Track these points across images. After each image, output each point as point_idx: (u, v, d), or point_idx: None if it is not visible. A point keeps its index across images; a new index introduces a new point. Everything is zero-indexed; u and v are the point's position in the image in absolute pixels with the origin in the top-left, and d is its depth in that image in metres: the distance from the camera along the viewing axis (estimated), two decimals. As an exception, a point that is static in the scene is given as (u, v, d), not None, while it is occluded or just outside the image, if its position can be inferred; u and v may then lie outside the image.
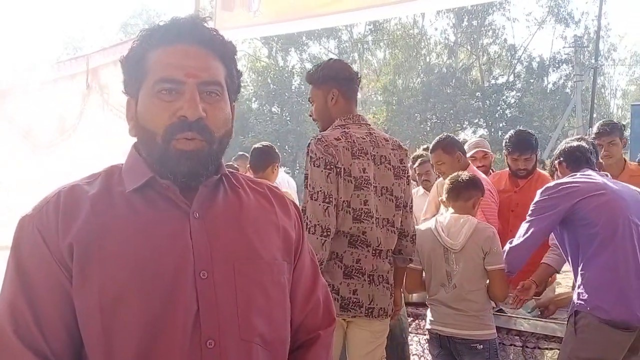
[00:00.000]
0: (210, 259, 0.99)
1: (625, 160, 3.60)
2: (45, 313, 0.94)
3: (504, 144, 3.57)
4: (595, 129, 3.65)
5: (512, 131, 3.53)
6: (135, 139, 1.08)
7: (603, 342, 2.28)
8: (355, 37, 29.84)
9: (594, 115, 21.47)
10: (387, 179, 2.24)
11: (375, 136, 2.28)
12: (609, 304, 2.27)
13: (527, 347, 2.66)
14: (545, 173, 3.55)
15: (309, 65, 29.40)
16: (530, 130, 3.55)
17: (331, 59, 2.53)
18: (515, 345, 2.68)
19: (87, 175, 1.06)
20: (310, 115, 2.46)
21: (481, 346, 2.42)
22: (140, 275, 0.94)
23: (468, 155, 3.74)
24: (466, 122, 28.44)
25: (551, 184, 2.56)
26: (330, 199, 2.12)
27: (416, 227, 2.51)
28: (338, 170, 2.14)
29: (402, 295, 2.50)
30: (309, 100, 2.46)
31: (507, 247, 2.57)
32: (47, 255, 0.95)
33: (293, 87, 28.74)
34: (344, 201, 2.16)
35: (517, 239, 2.54)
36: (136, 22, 34.06)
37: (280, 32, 4.79)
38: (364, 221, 2.19)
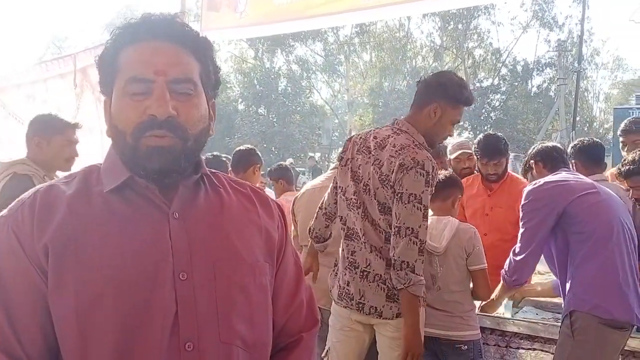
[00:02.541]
0: (190, 260, 0.97)
1: None
2: (20, 316, 0.92)
3: (473, 149, 3.55)
4: (622, 125, 3.55)
5: (481, 135, 3.49)
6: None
7: (603, 343, 2.24)
8: (342, 39, 29.87)
9: (577, 119, 21.74)
10: (374, 181, 2.21)
11: (389, 140, 2.21)
12: (610, 303, 2.23)
13: (510, 347, 2.68)
14: (517, 175, 3.55)
15: (295, 67, 29.44)
16: (499, 134, 3.51)
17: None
18: (499, 346, 2.70)
19: (65, 175, 1.05)
20: None
21: (465, 347, 2.42)
22: (117, 276, 0.92)
23: (452, 157, 3.75)
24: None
25: (539, 182, 2.48)
26: (336, 183, 2.43)
27: None
28: (341, 159, 2.40)
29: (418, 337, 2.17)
30: None
31: (511, 258, 2.50)
32: (23, 257, 0.93)
33: (279, 89, 28.71)
34: (340, 187, 2.37)
35: (521, 250, 2.45)
36: (120, 22, 33.81)
37: (266, 34, 4.76)
38: (352, 210, 2.28)
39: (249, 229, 1.08)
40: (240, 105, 29.18)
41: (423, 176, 2.09)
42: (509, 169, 3.57)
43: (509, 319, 2.72)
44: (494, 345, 2.70)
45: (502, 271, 2.56)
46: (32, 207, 0.96)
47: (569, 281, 2.37)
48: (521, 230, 2.48)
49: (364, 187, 2.24)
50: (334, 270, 2.43)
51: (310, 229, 2.59)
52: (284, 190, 4.35)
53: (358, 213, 2.25)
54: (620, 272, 2.27)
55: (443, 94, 2.23)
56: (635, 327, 2.32)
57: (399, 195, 2.10)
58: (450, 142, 3.89)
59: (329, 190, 2.52)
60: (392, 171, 2.13)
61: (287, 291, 1.14)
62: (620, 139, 3.57)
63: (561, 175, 2.49)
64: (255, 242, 1.07)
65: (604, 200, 2.36)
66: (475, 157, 3.72)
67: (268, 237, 1.10)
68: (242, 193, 1.13)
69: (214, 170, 1.13)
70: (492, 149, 3.31)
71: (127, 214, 0.98)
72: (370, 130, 2.38)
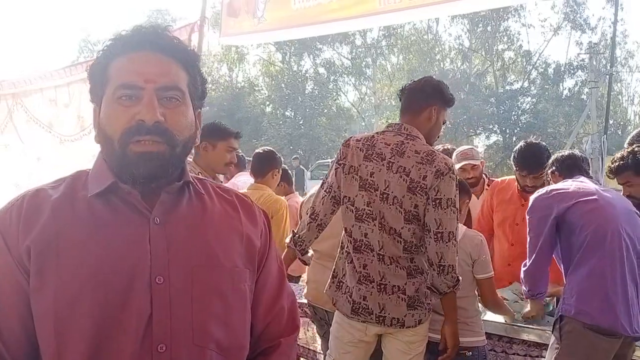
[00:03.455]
0: (167, 265, 1.00)
1: None
2: (3, 315, 0.96)
3: (512, 157, 3.28)
4: (629, 139, 3.40)
5: (522, 143, 3.19)
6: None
7: (587, 348, 2.27)
8: (369, 42, 29.82)
9: (610, 122, 21.22)
10: (399, 189, 2.17)
11: (406, 146, 2.21)
12: (594, 309, 2.27)
13: (518, 354, 2.65)
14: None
15: (322, 70, 29.51)
16: (542, 143, 3.20)
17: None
18: (506, 352, 2.67)
19: (54, 180, 1.08)
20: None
21: (470, 353, 2.41)
22: (94, 279, 0.95)
23: (457, 166, 3.66)
24: (480, 128, 28.26)
25: (540, 192, 2.54)
26: (330, 190, 2.33)
27: None
28: (344, 166, 2.28)
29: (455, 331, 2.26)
30: None
31: (522, 270, 2.54)
32: (8, 257, 0.97)
33: (306, 92, 28.82)
34: (346, 197, 2.26)
35: (528, 260, 2.49)
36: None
37: (285, 38, 4.81)
38: (365, 222, 2.22)
39: (230, 235, 1.10)
40: (268, 107, 29.38)
41: (454, 180, 2.18)
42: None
43: (517, 325, 2.70)
44: (501, 352, 2.68)
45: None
46: (19, 210, 1.00)
47: (564, 287, 2.42)
48: (528, 239, 2.52)
49: (382, 196, 2.19)
50: (333, 282, 2.36)
51: (297, 238, 2.43)
52: (286, 193, 4.36)
53: (374, 224, 2.20)
54: (608, 279, 2.27)
55: (440, 97, 2.33)
56: (633, 337, 2.32)
57: (437, 201, 2.13)
58: (457, 149, 3.84)
59: (318, 198, 2.39)
60: (425, 177, 2.14)
61: (268, 297, 1.16)
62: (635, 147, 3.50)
63: (565, 183, 2.51)
64: (235, 249, 1.09)
65: (601, 207, 2.35)
66: (480, 166, 3.68)
67: (249, 244, 1.12)
68: (226, 200, 1.16)
69: (199, 177, 1.17)
70: (534, 161, 3.05)
71: (109, 219, 1.01)
72: (370, 136, 2.32)
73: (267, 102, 29.54)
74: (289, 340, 1.19)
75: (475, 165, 3.67)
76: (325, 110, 28.77)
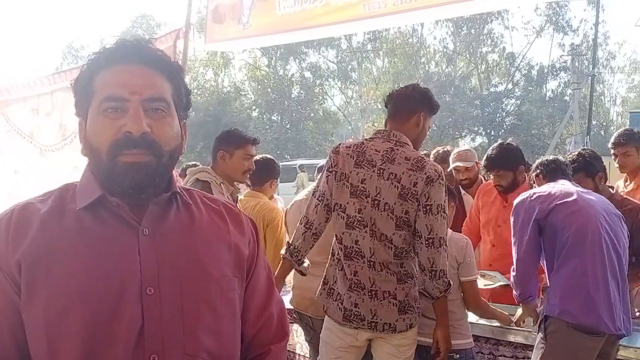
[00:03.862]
0: (157, 276, 1.01)
1: None
2: None
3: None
4: (612, 139, 3.62)
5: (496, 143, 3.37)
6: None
7: (572, 347, 2.30)
8: (355, 46, 29.98)
9: (593, 123, 21.50)
10: (391, 195, 2.19)
11: (396, 153, 2.23)
12: (576, 308, 2.30)
13: (505, 356, 2.68)
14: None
15: (308, 74, 29.59)
16: (512, 145, 3.32)
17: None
18: (493, 354, 2.70)
19: (42, 193, 1.09)
20: None
21: (457, 355, 2.42)
22: (85, 291, 0.95)
23: (452, 166, 3.74)
24: (465, 130, 28.52)
25: (524, 194, 2.57)
26: (323, 198, 2.32)
27: None
28: (335, 173, 2.28)
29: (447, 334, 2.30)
30: None
31: (511, 274, 2.57)
32: None
33: (293, 96, 28.89)
34: (338, 204, 2.27)
35: (515, 264, 2.51)
36: (136, 31, 34.24)
37: (270, 44, 4.81)
38: (356, 229, 2.22)
39: (218, 245, 1.11)
40: (254, 112, 29.39)
41: (444, 186, 2.21)
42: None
43: (505, 327, 2.72)
44: (488, 354, 2.70)
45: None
46: (8, 224, 1.00)
47: (548, 287, 2.45)
48: (513, 246, 2.53)
49: (373, 203, 2.20)
50: (324, 289, 2.36)
51: (292, 249, 2.38)
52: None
53: (365, 231, 2.21)
54: (590, 278, 2.31)
55: (427, 104, 2.37)
56: (616, 335, 2.35)
57: (428, 207, 2.16)
58: (454, 150, 3.89)
59: (311, 207, 2.36)
60: (415, 184, 2.16)
61: (257, 304, 1.17)
62: (612, 151, 3.62)
63: (547, 186, 2.54)
64: (223, 258, 1.10)
65: (581, 209, 2.39)
66: (475, 168, 3.73)
67: (237, 253, 1.13)
68: (214, 209, 1.16)
69: (187, 187, 1.18)
70: (492, 159, 3.20)
71: (98, 231, 1.01)
72: (359, 142, 2.33)
73: (254, 107, 29.56)
74: (278, 347, 1.19)
75: (469, 167, 3.71)
76: (312, 115, 28.85)
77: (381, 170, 2.21)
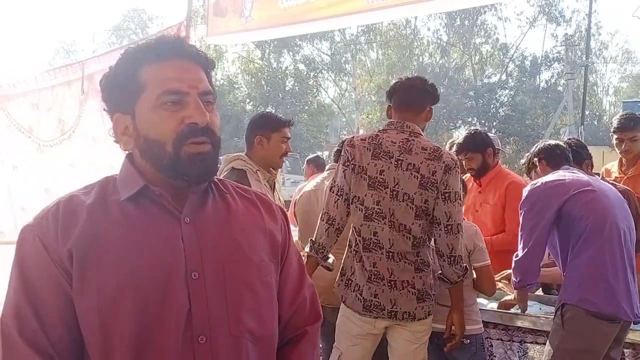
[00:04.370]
0: (201, 261, 1.06)
1: None
2: (47, 315, 1.00)
3: None
4: (616, 123, 3.52)
5: None
6: (126, 152, 1.14)
7: (590, 334, 2.32)
8: (348, 38, 29.91)
9: (586, 113, 21.62)
10: (410, 186, 2.24)
11: (412, 143, 2.28)
12: (597, 296, 2.31)
13: (513, 341, 2.73)
14: (509, 171, 3.59)
15: (301, 66, 29.49)
16: (478, 129, 3.58)
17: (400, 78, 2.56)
18: (502, 340, 2.75)
19: (83, 186, 1.13)
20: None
21: (468, 341, 2.48)
22: (135, 277, 1.01)
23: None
24: (460, 121, 28.54)
25: (537, 183, 2.54)
26: (342, 192, 2.34)
27: None
28: (353, 166, 2.30)
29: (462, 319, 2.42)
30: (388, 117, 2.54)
31: (514, 260, 2.56)
32: (48, 261, 1.01)
33: (287, 88, 28.79)
34: (356, 197, 2.30)
35: (521, 251, 2.50)
36: (128, 25, 34.01)
37: (272, 37, 4.81)
38: (375, 220, 2.26)
39: (254, 231, 1.17)
40: (248, 105, 29.28)
41: (459, 174, 2.30)
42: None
43: (512, 313, 2.77)
44: (497, 339, 2.76)
45: (511, 274, 2.62)
46: (56, 216, 1.05)
47: (564, 275, 2.45)
48: (520, 231, 2.52)
49: (392, 193, 2.24)
50: (342, 280, 2.40)
51: (317, 246, 2.38)
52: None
53: (384, 222, 2.26)
54: (609, 266, 2.33)
55: (433, 99, 2.44)
56: (630, 321, 2.39)
57: (446, 194, 2.24)
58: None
59: (330, 203, 2.36)
60: (434, 173, 2.24)
61: (291, 288, 1.23)
62: (615, 136, 3.52)
63: (559, 174, 2.54)
64: (260, 244, 1.16)
65: (598, 197, 2.40)
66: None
67: (272, 239, 1.19)
68: (247, 198, 1.22)
69: (221, 178, 1.23)
70: (460, 144, 3.42)
71: (143, 220, 1.06)
72: (373, 134, 2.36)
73: (248, 100, 29.44)
74: (313, 329, 1.25)
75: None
76: (306, 107, 28.78)
77: (399, 162, 2.25)
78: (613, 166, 3.74)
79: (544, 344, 2.68)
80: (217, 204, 1.15)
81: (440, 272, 2.33)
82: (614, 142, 3.57)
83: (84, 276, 1.01)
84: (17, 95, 4.67)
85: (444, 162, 2.25)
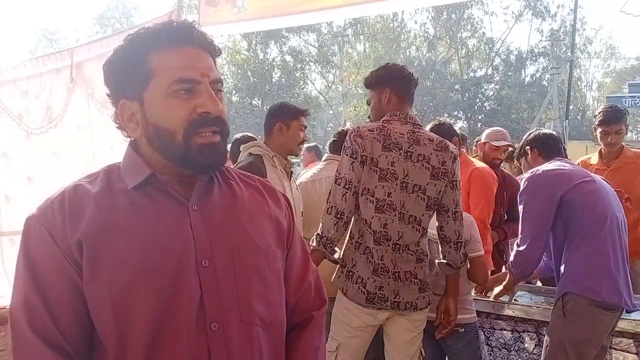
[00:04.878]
0: (210, 249, 1.06)
1: (622, 146, 3.57)
2: (56, 305, 0.99)
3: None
4: (601, 116, 3.48)
5: None
6: (129, 139, 1.12)
7: (593, 323, 2.35)
8: (335, 30, 29.85)
9: (570, 107, 21.83)
10: (422, 177, 2.24)
11: (419, 134, 2.29)
12: (601, 286, 2.33)
13: (505, 329, 2.79)
14: (470, 158, 3.66)
15: (288, 58, 29.40)
16: (443, 120, 3.44)
17: (388, 63, 2.54)
18: (494, 328, 2.81)
19: (87, 175, 1.11)
20: (368, 117, 2.54)
21: (462, 329, 2.53)
22: (146, 266, 1.00)
23: (494, 144, 3.77)
24: (446, 115, 28.69)
25: (537, 171, 2.51)
26: (350, 185, 2.25)
27: None
28: (364, 158, 2.24)
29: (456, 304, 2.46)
30: (367, 103, 2.51)
31: (515, 250, 2.56)
32: (56, 251, 0.99)
33: (273, 80, 28.70)
34: (366, 189, 2.25)
35: (523, 241, 2.49)
36: (112, 14, 33.60)
37: (265, 28, 4.77)
38: (386, 212, 2.23)
39: (261, 218, 1.17)
40: (234, 97, 29.13)
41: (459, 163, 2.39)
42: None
43: (504, 302, 2.83)
44: (490, 328, 2.81)
45: (509, 263, 2.64)
46: (62, 205, 1.03)
47: (563, 265, 2.45)
48: (522, 220, 2.51)
49: (402, 185, 2.23)
50: (342, 272, 2.33)
51: (325, 240, 2.29)
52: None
53: (394, 214, 2.24)
54: (611, 257, 2.36)
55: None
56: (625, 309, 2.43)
57: (454, 183, 2.32)
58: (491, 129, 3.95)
59: (338, 196, 2.26)
60: (444, 163, 2.29)
61: (296, 274, 1.23)
62: (600, 128, 3.51)
63: (558, 164, 2.54)
64: (266, 230, 1.16)
65: (598, 189, 2.43)
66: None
67: (278, 225, 1.19)
68: (251, 185, 1.22)
69: (225, 166, 1.21)
70: None
71: (151, 208, 1.05)
72: (380, 126, 2.29)
73: (234, 91, 29.27)
74: (319, 313, 1.26)
75: (505, 146, 3.78)
76: (293, 99, 28.65)
77: (408, 153, 2.26)
78: (590, 158, 3.74)
79: (534, 332, 2.74)
80: (223, 191, 1.15)
81: (444, 259, 2.37)
82: (598, 134, 3.56)
83: (95, 266, 0.99)
84: (7, 81, 4.62)
85: (451, 152, 2.32)
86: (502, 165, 4.02)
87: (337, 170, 2.30)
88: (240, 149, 2.85)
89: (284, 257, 1.20)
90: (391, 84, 2.38)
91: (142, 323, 0.99)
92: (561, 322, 2.38)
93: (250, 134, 3.94)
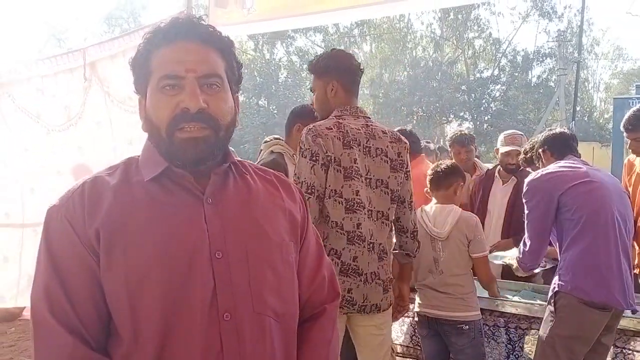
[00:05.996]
0: (224, 241, 1.08)
1: None
2: (76, 293, 1.02)
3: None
4: (622, 124, 3.28)
5: None
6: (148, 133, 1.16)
7: (581, 321, 2.40)
8: (342, 31, 29.89)
9: (577, 109, 21.79)
10: (382, 171, 2.21)
11: (372, 128, 2.24)
12: (589, 285, 2.38)
13: (509, 327, 2.83)
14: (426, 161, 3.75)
15: (295, 59, 29.45)
16: (406, 129, 3.58)
17: (334, 48, 2.45)
18: (497, 326, 2.85)
19: (107, 167, 1.15)
20: (311, 105, 2.47)
21: (467, 327, 2.57)
22: (161, 257, 1.03)
23: (503, 150, 3.73)
24: (452, 115, 28.67)
25: (536, 175, 2.60)
26: (313, 190, 2.09)
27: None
28: (328, 159, 2.10)
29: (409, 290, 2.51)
30: (310, 90, 2.41)
31: (521, 249, 2.67)
32: (76, 241, 1.03)
33: (280, 80, 28.76)
34: (333, 190, 2.12)
35: (528, 240, 2.61)
36: (120, 14, 33.75)
37: (274, 29, 4.81)
38: (357, 211, 2.14)
39: (275, 211, 1.19)
40: (241, 97, 28.76)
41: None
42: None
43: (508, 300, 2.87)
44: (493, 326, 2.85)
45: (516, 258, 2.75)
46: (82, 196, 1.07)
47: (559, 264, 2.53)
48: (526, 222, 2.61)
49: (367, 181, 2.18)
50: None
51: None
52: None
53: (363, 212, 2.15)
54: (602, 257, 2.40)
55: None
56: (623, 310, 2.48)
57: (407, 173, 2.31)
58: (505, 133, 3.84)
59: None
60: (400, 154, 2.27)
61: (310, 267, 1.26)
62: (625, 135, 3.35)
63: (559, 165, 2.60)
64: (280, 223, 1.18)
65: (595, 189, 2.47)
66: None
67: (292, 219, 1.22)
68: (266, 179, 1.25)
69: (240, 159, 1.25)
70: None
71: (167, 201, 1.09)
72: (335, 123, 2.19)
73: (240, 92, 29.28)
74: (332, 306, 1.29)
75: (519, 151, 3.53)
76: (299, 99, 28.70)
77: (367, 148, 2.20)
78: (637, 159, 3.54)
79: (537, 330, 2.78)
80: (237, 184, 1.17)
81: (401, 248, 2.39)
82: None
83: (112, 256, 1.03)
84: (21, 81, 4.69)
85: (404, 143, 2.32)
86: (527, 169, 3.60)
87: (295, 174, 2.16)
88: (262, 148, 2.99)
89: (298, 251, 1.22)
90: (339, 76, 2.27)
91: (156, 312, 1.02)
92: (552, 319, 2.45)
93: (277, 136, 4.01)
